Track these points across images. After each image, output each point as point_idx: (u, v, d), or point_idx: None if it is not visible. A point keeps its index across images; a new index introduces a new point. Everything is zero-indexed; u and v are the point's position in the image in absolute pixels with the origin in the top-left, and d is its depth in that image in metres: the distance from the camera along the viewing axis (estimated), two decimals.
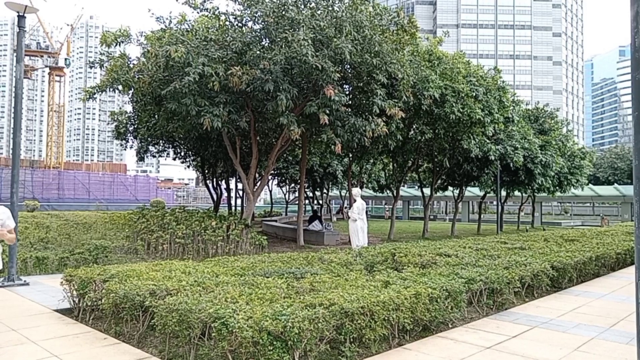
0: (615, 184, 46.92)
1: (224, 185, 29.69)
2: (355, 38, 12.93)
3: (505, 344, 5.17)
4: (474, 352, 4.89)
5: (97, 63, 15.14)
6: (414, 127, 18.39)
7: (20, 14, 8.70)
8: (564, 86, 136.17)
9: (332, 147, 14.36)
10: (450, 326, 5.84)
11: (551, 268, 7.92)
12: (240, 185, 29.88)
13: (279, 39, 12.49)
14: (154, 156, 25.20)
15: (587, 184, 31.51)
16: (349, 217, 14.56)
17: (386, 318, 4.80)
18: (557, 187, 27.70)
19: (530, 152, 22.59)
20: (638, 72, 2.45)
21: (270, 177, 28.79)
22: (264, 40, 13.68)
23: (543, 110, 28.06)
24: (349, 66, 14.16)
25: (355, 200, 14.07)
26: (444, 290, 5.65)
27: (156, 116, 17.59)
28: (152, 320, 4.85)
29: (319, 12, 13.20)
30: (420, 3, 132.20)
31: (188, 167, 28.56)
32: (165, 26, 14.34)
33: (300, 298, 4.86)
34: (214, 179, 28.37)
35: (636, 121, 2.47)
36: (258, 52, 12.68)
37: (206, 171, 27.05)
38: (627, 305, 7.12)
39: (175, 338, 4.81)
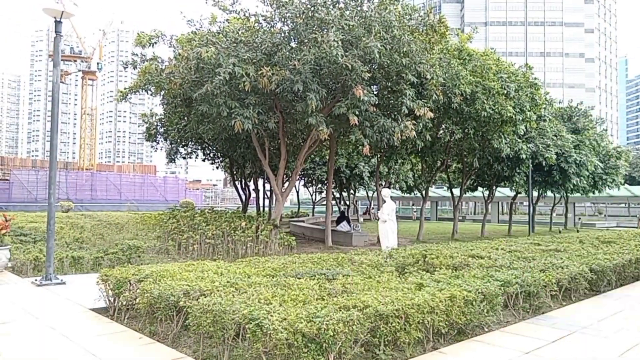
0: None
1: (252, 186, 29.90)
2: (384, 38, 12.83)
3: (544, 349, 5.02)
4: (513, 357, 4.75)
5: (130, 64, 15.49)
6: (443, 126, 18.14)
7: (57, 19, 8.92)
8: (596, 83, 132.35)
9: (360, 147, 14.27)
10: (486, 330, 5.72)
11: (589, 271, 7.68)
12: (268, 186, 30.09)
13: (307, 40, 12.49)
14: (184, 158, 25.56)
15: (623, 184, 30.47)
16: (377, 219, 14.44)
17: (421, 321, 4.72)
18: (592, 188, 26.92)
19: (563, 149, 22.02)
20: None
21: (297, 177, 28.86)
22: (292, 41, 13.71)
23: (577, 109, 27.25)
24: (377, 66, 14.06)
25: (384, 201, 13.93)
26: (479, 293, 5.53)
27: (186, 118, 17.86)
28: (186, 321, 4.88)
29: (347, 12, 13.14)
30: (447, 2, 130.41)
31: (217, 168, 28.89)
32: (197, 29, 14.55)
33: (333, 300, 4.82)
34: (243, 180, 28.61)
35: None
36: (287, 53, 12.70)
37: (235, 172, 27.30)
38: None
39: (209, 338, 4.84)
